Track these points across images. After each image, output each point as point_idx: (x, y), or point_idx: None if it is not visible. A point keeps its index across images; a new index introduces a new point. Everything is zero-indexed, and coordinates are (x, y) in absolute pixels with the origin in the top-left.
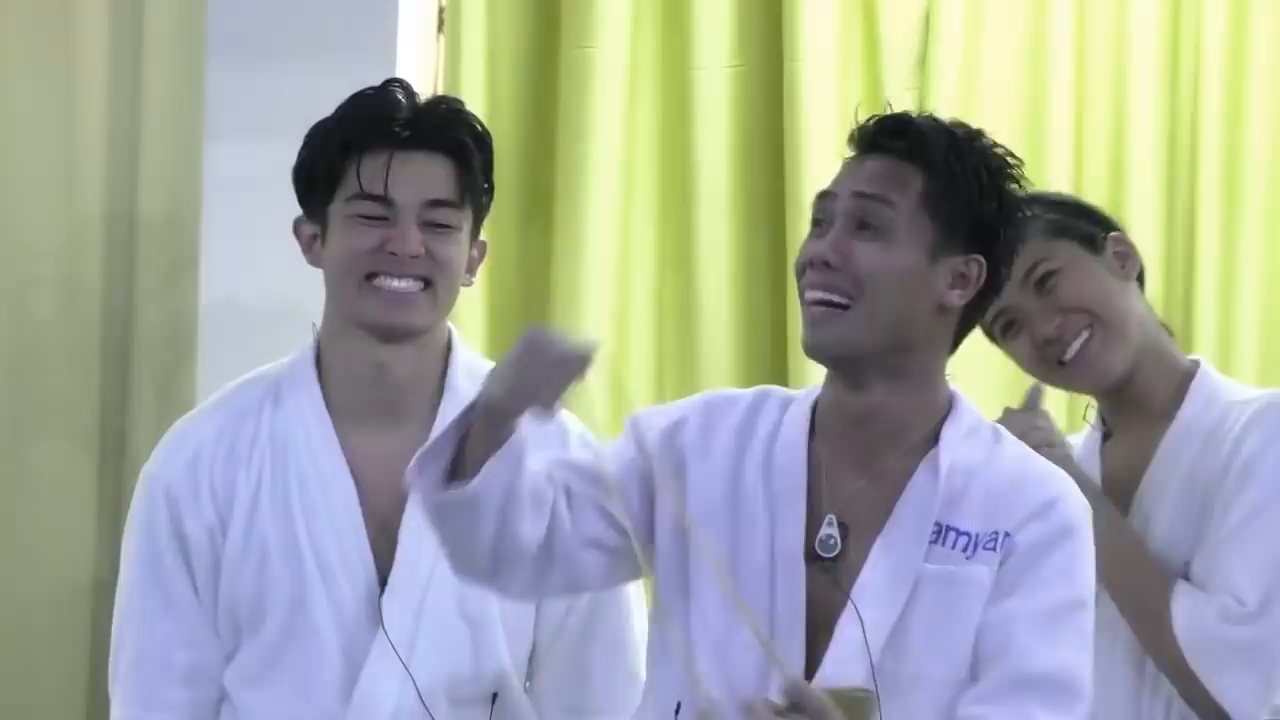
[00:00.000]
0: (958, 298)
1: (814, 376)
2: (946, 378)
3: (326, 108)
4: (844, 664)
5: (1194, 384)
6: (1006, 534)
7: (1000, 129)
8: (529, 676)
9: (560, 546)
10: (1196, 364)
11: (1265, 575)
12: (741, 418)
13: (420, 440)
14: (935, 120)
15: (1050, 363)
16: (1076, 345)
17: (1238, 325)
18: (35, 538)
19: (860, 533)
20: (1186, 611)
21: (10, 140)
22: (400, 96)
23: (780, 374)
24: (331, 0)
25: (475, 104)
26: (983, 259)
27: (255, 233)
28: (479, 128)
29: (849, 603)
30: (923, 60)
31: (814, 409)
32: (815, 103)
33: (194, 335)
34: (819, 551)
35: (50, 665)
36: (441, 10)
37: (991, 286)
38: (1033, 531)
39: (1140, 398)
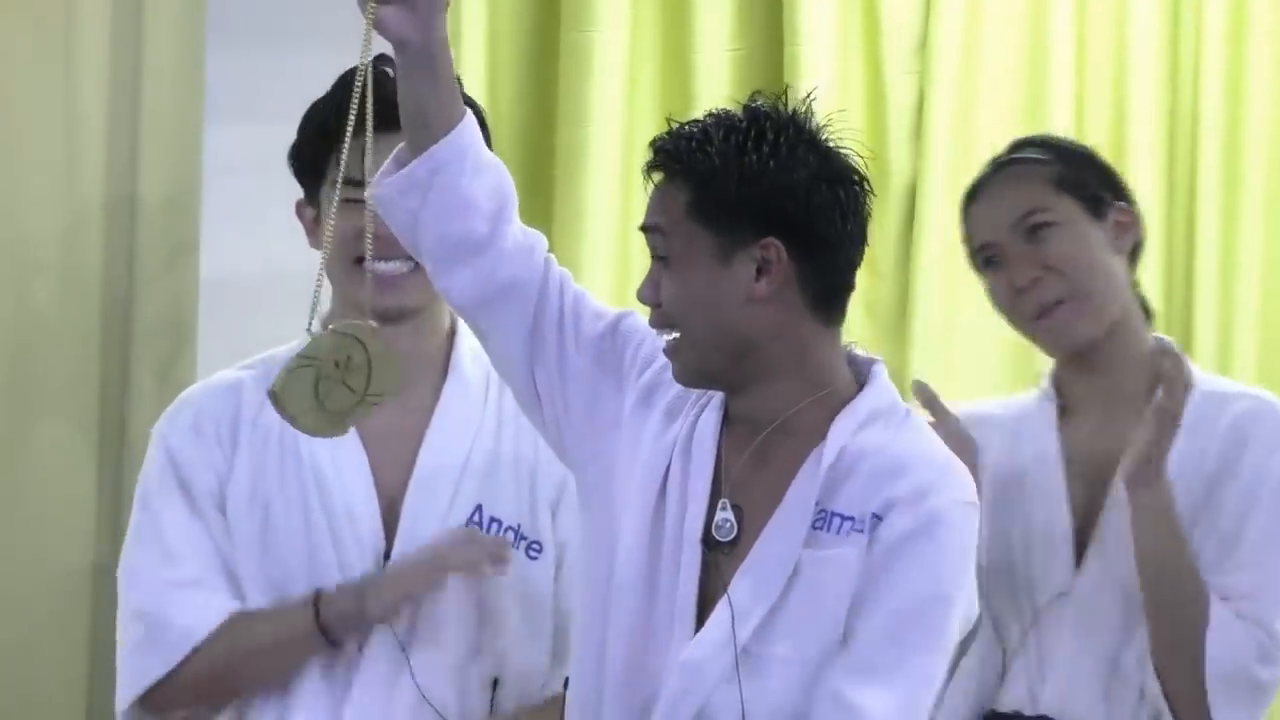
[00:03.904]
0: (765, 287)
1: None
2: (849, 349)
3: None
4: (709, 648)
5: None
6: (874, 515)
7: (1000, 111)
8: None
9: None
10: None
11: None
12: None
13: (424, 420)
14: (709, 124)
15: (1022, 311)
16: (1049, 304)
17: (1238, 311)
18: (35, 523)
19: (754, 520)
20: (1224, 638)
21: (9, 125)
22: (389, 73)
23: None
24: None
25: (475, 87)
26: (776, 240)
27: (256, 216)
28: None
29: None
30: (923, 43)
31: None
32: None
33: (194, 319)
34: (716, 536)
35: (50, 650)
36: None
37: (818, 247)
38: (899, 521)
39: (1104, 372)
